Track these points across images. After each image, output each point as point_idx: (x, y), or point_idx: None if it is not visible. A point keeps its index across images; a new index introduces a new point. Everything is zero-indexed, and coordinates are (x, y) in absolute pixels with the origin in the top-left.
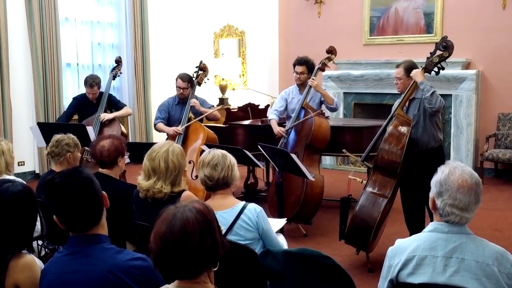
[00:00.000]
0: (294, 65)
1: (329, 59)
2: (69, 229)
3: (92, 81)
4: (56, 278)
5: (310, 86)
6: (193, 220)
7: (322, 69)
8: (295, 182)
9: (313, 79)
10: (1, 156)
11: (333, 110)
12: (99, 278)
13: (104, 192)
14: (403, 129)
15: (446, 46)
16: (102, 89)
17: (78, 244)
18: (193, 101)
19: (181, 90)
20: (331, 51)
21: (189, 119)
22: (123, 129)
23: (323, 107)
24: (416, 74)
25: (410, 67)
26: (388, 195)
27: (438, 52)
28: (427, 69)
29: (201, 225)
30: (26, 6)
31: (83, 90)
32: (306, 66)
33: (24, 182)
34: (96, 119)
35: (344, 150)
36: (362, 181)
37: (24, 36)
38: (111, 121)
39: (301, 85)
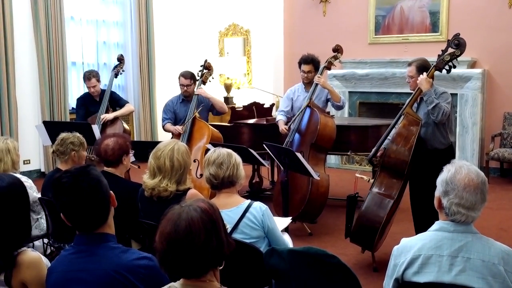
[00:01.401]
0: (300, 64)
1: (336, 57)
2: (75, 228)
3: (88, 74)
4: (62, 276)
5: (317, 84)
6: (198, 219)
7: (328, 67)
8: (300, 181)
9: (318, 76)
10: (7, 155)
11: (340, 108)
12: (105, 277)
13: (111, 191)
14: (412, 128)
15: (458, 44)
16: (105, 87)
17: (85, 243)
18: (199, 90)
19: (185, 88)
20: (338, 49)
21: (194, 118)
22: (125, 126)
23: (329, 105)
24: (421, 82)
25: (422, 65)
26: (395, 196)
27: (450, 50)
28: (438, 68)
29: (206, 225)
30: (31, 5)
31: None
32: (312, 64)
33: (15, 175)
34: (98, 119)
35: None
36: (369, 180)
37: (30, 35)
38: (113, 120)
39: (308, 84)
